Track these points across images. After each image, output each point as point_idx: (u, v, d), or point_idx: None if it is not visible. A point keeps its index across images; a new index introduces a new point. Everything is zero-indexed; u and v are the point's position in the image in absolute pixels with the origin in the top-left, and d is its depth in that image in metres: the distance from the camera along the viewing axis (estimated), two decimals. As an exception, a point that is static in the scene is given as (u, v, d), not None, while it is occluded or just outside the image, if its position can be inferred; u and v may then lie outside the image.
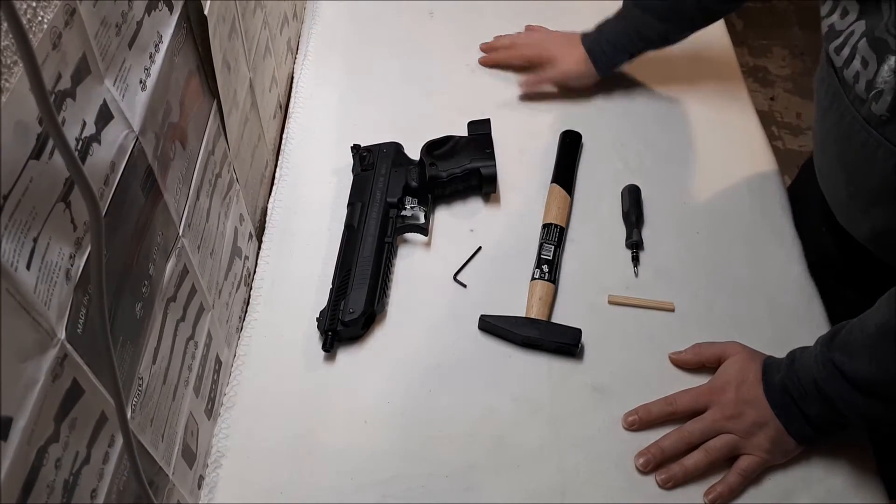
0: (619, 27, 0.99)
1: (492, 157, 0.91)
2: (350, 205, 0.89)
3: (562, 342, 0.79)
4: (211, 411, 0.74)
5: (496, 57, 1.08)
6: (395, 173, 0.91)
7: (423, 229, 0.88)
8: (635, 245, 0.88)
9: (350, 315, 0.78)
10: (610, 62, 1.01)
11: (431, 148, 0.93)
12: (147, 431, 0.57)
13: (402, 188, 0.89)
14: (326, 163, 0.97)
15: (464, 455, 0.73)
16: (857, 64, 0.67)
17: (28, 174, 0.40)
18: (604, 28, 1.00)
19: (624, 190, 0.93)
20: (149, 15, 0.57)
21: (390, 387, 0.77)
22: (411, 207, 0.89)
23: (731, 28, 1.14)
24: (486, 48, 1.10)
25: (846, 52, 0.68)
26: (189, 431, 0.67)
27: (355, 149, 0.94)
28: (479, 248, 0.88)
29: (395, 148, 0.93)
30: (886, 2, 0.63)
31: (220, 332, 0.76)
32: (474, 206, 0.93)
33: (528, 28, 1.11)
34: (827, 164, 0.79)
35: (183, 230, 0.64)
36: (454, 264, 0.87)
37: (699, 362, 0.78)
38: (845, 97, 0.70)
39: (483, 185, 0.91)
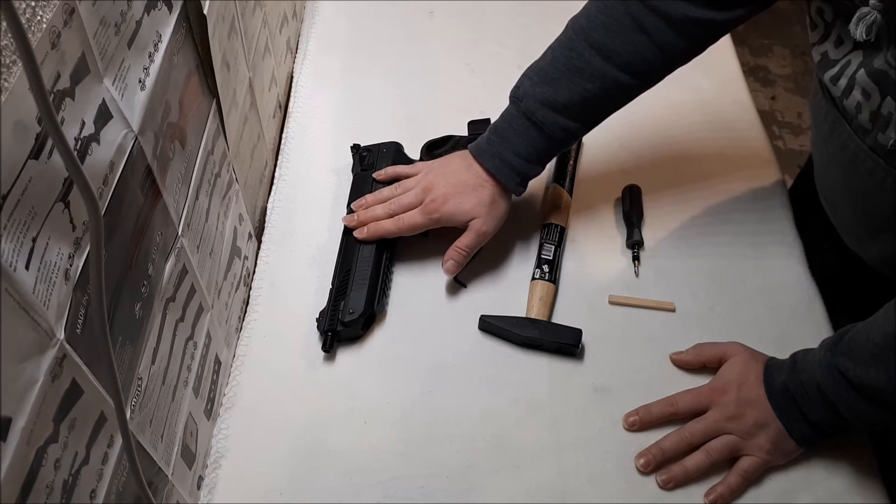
0: (529, 138, 0.80)
1: None
2: (350, 205, 0.89)
3: (562, 342, 0.79)
4: (210, 412, 0.73)
5: (381, 232, 0.83)
6: None
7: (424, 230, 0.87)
8: (636, 245, 0.88)
9: (350, 315, 0.78)
10: (524, 179, 0.82)
11: (431, 148, 0.93)
12: (146, 432, 0.57)
13: None
14: (326, 162, 0.97)
15: (464, 455, 0.73)
16: (857, 94, 0.65)
17: (27, 174, 0.40)
18: (508, 139, 0.80)
19: (624, 190, 0.93)
20: (148, 14, 0.57)
21: (390, 387, 0.77)
22: (411, 207, 0.89)
23: (731, 28, 1.14)
24: (355, 224, 0.85)
25: (843, 82, 0.67)
26: (188, 432, 0.67)
27: (355, 148, 0.94)
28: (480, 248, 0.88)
29: (395, 148, 0.93)
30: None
31: (219, 332, 0.76)
32: (474, 205, 0.93)
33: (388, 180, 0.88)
34: (831, 189, 0.79)
35: (182, 230, 0.64)
36: (454, 264, 0.86)
37: (700, 363, 0.78)
38: (847, 126, 0.69)
39: None
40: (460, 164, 0.83)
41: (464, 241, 0.82)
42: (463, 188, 0.82)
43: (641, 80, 0.79)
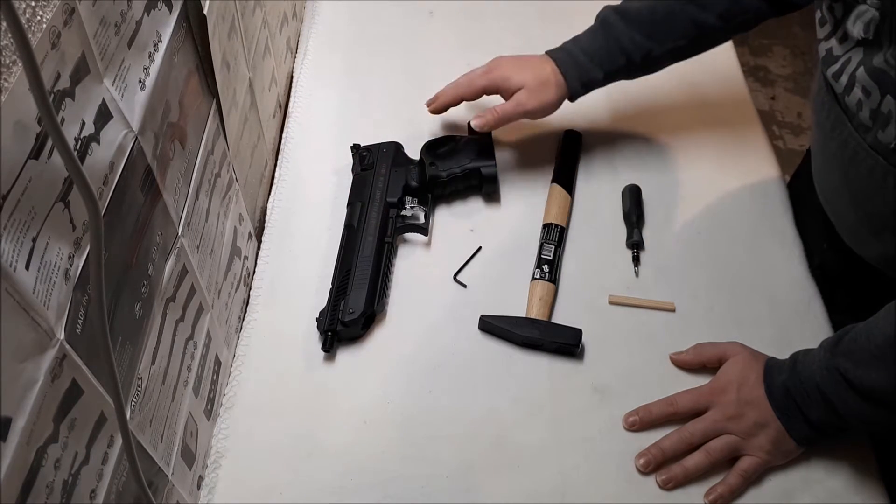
0: (596, 37, 0.86)
1: (492, 157, 0.91)
2: (350, 205, 0.89)
3: (562, 342, 0.79)
4: (210, 412, 0.73)
5: (444, 97, 0.91)
6: (395, 173, 0.90)
7: (423, 229, 0.88)
8: (636, 245, 0.88)
9: (350, 315, 0.78)
10: (583, 76, 0.86)
11: (431, 148, 0.93)
12: (146, 432, 0.57)
13: (402, 188, 0.89)
14: (326, 162, 0.97)
15: (464, 455, 0.73)
16: (857, 92, 0.66)
17: (27, 174, 0.40)
18: (579, 39, 0.87)
19: (624, 190, 0.93)
20: (148, 14, 0.57)
21: (390, 387, 0.77)
22: (411, 207, 0.89)
23: (731, 28, 1.14)
24: (432, 100, 0.93)
25: (845, 79, 0.67)
26: (188, 432, 0.67)
27: (355, 148, 0.94)
28: (479, 248, 0.88)
29: (395, 147, 0.93)
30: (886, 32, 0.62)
31: (219, 332, 0.76)
32: (474, 206, 0.93)
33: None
34: (831, 187, 0.79)
35: (182, 230, 0.64)
36: (454, 264, 0.87)
37: (700, 363, 0.78)
38: (848, 123, 0.69)
39: (483, 185, 0.91)
40: (532, 56, 0.89)
41: (502, 106, 0.87)
42: (525, 63, 0.88)
43: (708, 13, 0.82)
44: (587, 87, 0.87)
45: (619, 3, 0.87)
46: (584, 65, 0.85)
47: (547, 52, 0.88)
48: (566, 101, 0.89)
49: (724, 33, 0.86)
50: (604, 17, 0.86)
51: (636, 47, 0.84)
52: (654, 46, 0.84)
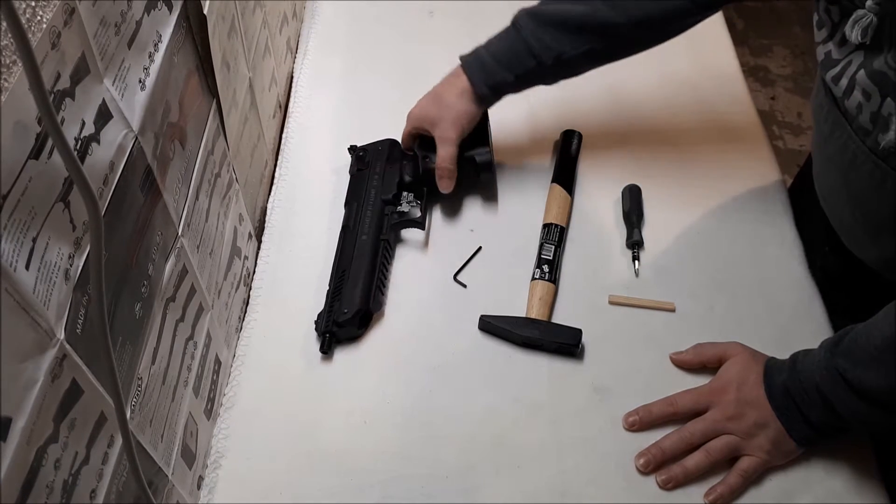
0: (506, 40, 0.83)
1: (486, 144, 0.90)
2: (346, 205, 0.89)
3: (562, 342, 0.79)
4: (210, 412, 0.73)
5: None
6: (389, 170, 0.90)
7: (420, 223, 0.87)
8: (636, 245, 0.88)
9: (344, 315, 0.78)
10: (489, 79, 0.83)
11: (426, 141, 0.92)
12: (146, 432, 0.57)
13: (397, 184, 0.89)
14: (326, 162, 0.97)
15: (464, 455, 0.73)
16: (857, 95, 0.65)
17: (27, 174, 0.40)
18: (491, 41, 0.85)
19: (624, 190, 0.93)
20: (148, 14, 0.57)
21: (390, 387, 0.77)
22: (407, 202, 0.89)
23: (731, 27, 1.14)
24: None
25: (844, 82, 0.67)
26: (188, 432, 0.67)
27: (352, 149, 0.94)
28: (479, 248, 0.88)
29: (390, 144, 0.93)
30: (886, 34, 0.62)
31: (219, 332, 0.76)
32: (474, 206, 0.93)
33: None
34: (830, 190, 0.79)
35: (182, 230, 0.64)
36: (454, 264, 0.87)
37: (700, 363, 0.78)
38: (848, 126, 0.69)
39: (479, 172, 0.90)
40: (446, 76, 0.88)
41: (438, 158, 0.86)
42: (435, 93, 0.88)
43: (622, 17, 0.79)
44: (497, 91, 0.85)
45: (528, 7, 0.84)
46: (491, 68, 0.83)
47: (460, 57, 0.87)
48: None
49: (643, 34, 0.83)
50: (516, 19, 0.84)
51: (546, 49, 0.81)
52: (566, 49, 0.81)
